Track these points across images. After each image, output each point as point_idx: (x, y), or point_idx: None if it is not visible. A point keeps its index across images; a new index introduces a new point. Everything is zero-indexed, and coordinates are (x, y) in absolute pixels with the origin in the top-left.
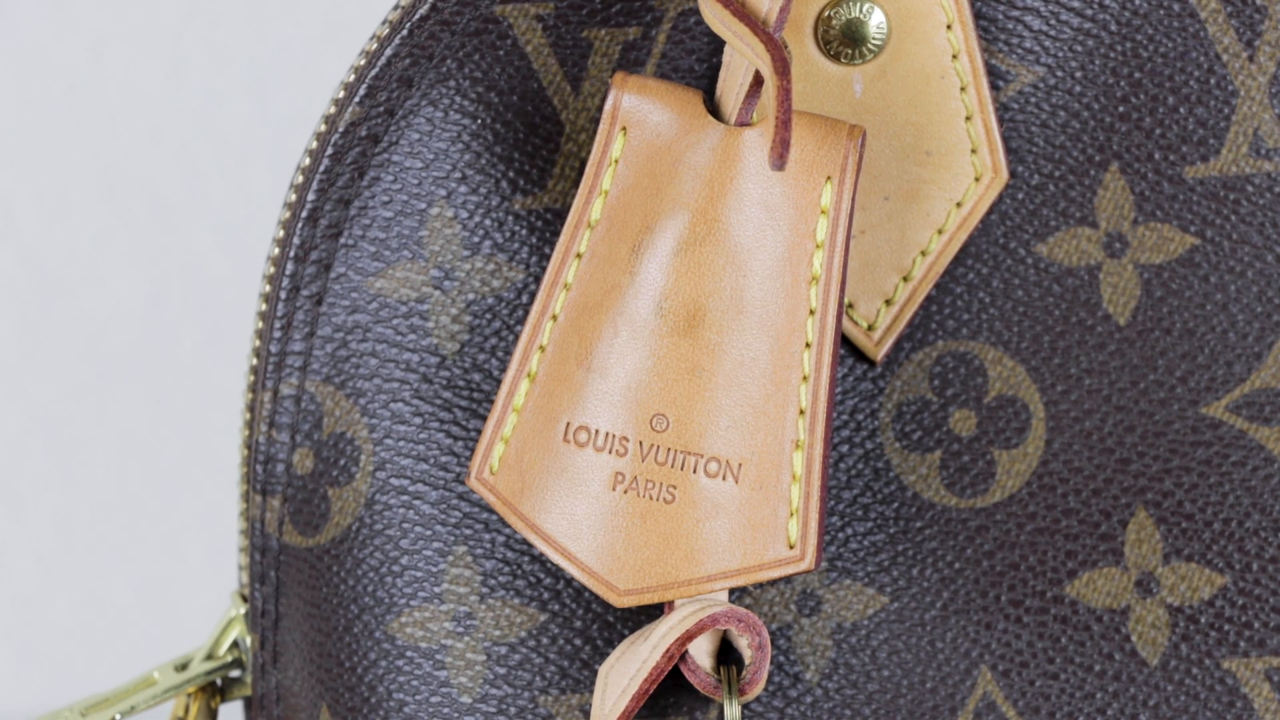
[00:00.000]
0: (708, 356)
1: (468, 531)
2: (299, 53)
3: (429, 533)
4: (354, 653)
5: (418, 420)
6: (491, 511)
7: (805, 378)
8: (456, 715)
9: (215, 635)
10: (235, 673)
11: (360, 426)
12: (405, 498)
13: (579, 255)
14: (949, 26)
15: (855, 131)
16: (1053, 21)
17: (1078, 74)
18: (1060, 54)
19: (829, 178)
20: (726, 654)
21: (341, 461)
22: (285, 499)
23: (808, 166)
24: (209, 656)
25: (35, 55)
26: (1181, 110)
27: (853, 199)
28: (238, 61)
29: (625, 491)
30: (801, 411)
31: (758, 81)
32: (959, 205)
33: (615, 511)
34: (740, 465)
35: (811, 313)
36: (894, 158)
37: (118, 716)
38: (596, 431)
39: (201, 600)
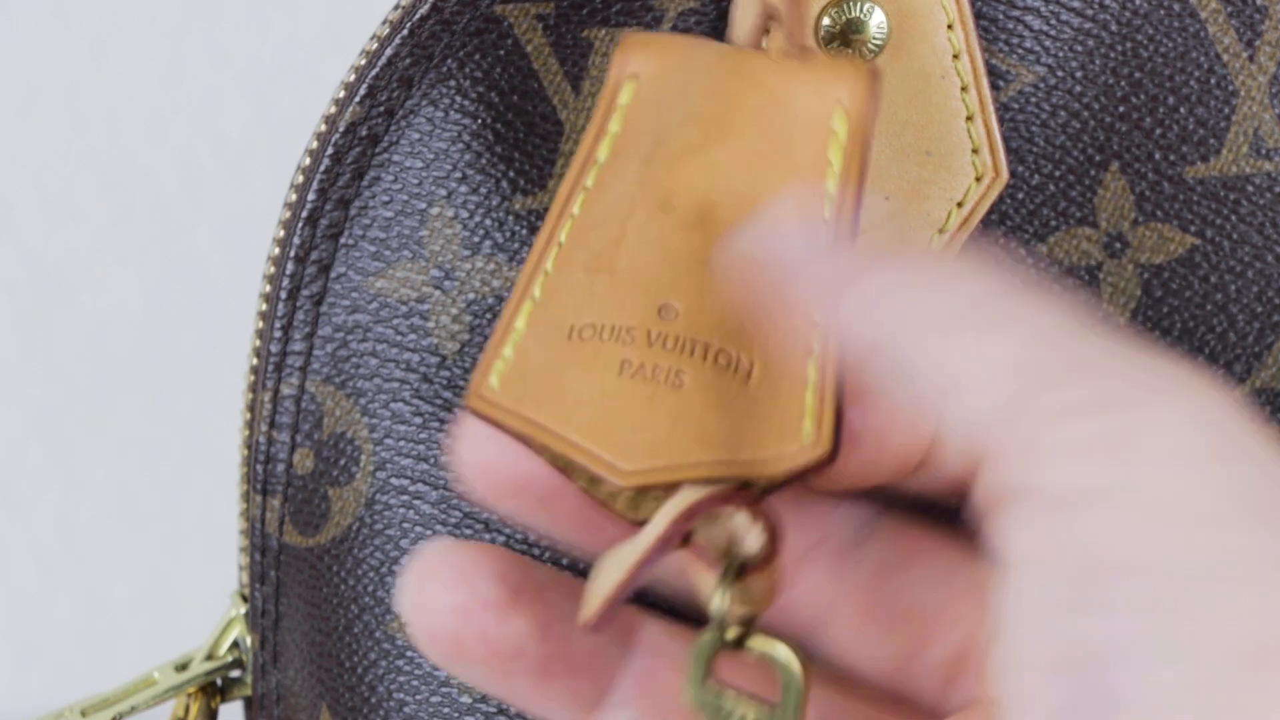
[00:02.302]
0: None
1: (468, 532)
2: (299, 53)
3: (429, 533)
4: (354, 653)
5: (418, 420)
6: (492, 513)
7: None
8: (456, 715)
9: (215, 635)
10: (235, 673)
11: (360, 426)
12: (405, 498)
13: (586, 189)
14: (950, 26)
15: (873, 68)
16: (1053, 21)
17: (1078, 74)
18: (1060, 54)
19: (838, 102)
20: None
21: (342, 461)
22: (285, 499)
23: (818, 87)
24: (209, 656)
25: (35, 55)
26: (1182, 110)
27: (868, 142)
28: (238, 61)
29: (632, 376)
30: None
31: (768, 18)
32: (959, 205)
33: (620, 395)
34: (752, 364)
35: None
36: (894, 157)
37: (118, 717)
38: (603, 326)
39: (201, 600)
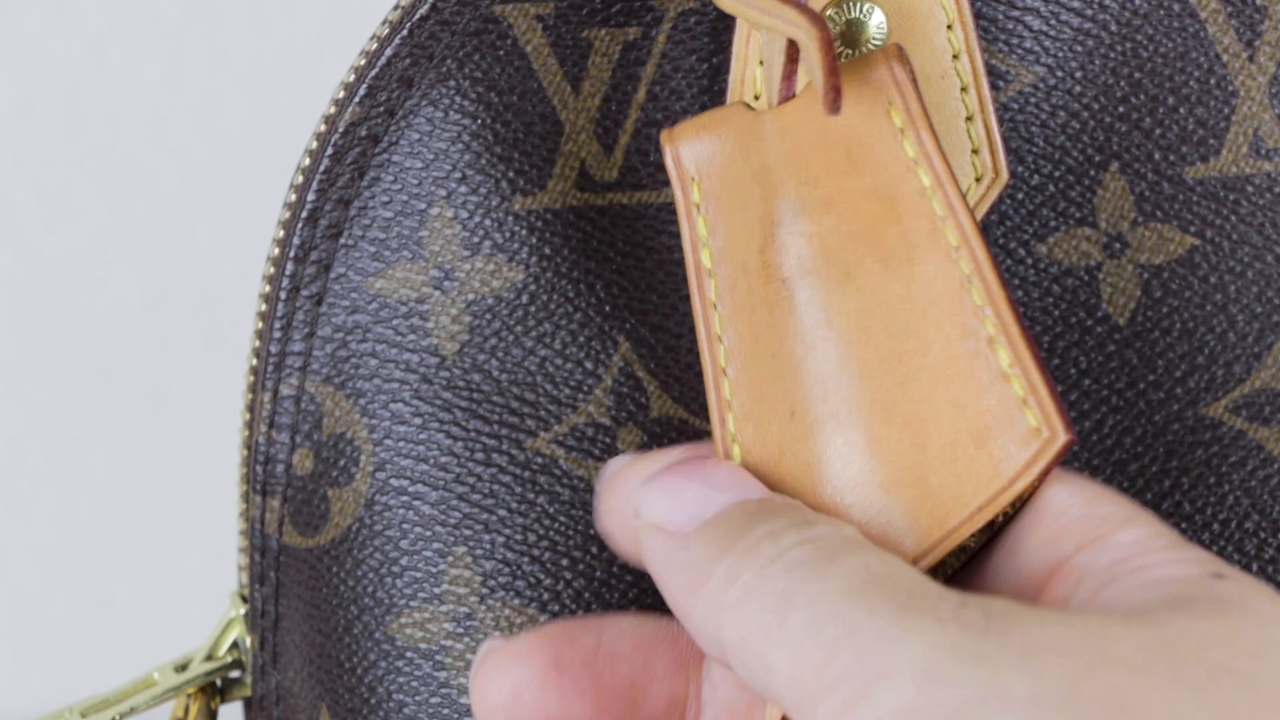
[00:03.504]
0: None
1: (467, 532)
2: (299, 53)
3: (429, 533)
4: (354, 653)
5: (418, 421)
6: (491, 512)
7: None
8: (456, 716)
9: (215, 636)
10: (235, 673)
11: (360, 427)
12: (405, 498)
13: (715, 305)
14: (949, 27)
15: (891, 51)
16: (1053, 22)
17: (1078, 74)
18: (1060, 54)
19: (890, 103)
20: None
21: (341, 462)
22: (285, 499)
23: (867, 103)
24: (209, 657)
25: (35, 55)
26: (1181, 110)
27: (923, 109)
28: (238, 61)
29: None
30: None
31: (791, 57)
32: None
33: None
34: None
35: (940, 218)
36: None
37: (117, 717)
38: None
39: (201, 600)
